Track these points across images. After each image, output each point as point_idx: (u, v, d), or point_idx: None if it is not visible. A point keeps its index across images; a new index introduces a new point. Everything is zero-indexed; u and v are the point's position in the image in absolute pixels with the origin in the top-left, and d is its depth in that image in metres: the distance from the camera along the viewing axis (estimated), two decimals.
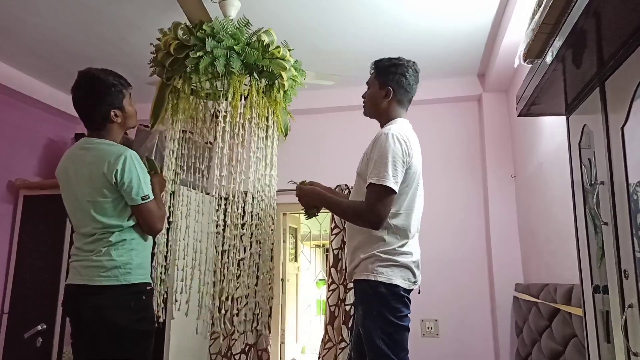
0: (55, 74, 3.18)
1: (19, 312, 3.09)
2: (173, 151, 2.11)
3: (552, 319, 2.07)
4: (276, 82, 2.03)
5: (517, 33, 2.33)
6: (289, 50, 2.05)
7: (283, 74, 1.99)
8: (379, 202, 1.60)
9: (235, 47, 1.91)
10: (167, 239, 2.11)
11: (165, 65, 1.95)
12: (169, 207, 2.11)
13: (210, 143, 2.19)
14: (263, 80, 2.05)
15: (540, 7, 1.28)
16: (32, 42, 2.75)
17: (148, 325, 1.77)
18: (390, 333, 1.61)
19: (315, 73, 2.44)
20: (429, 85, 3.36)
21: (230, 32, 1.92)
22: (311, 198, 1.81)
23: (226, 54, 1.90)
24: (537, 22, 1.30)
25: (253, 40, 1.95)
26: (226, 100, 1.96)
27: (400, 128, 1.72)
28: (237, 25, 1.95)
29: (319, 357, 3.19)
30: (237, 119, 1.99)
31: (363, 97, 1.88)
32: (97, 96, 1.75)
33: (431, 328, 3.17)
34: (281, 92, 2.08)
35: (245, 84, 2.03)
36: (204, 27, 1.91)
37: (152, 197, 1.74)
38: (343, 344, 3.12)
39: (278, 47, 1.97)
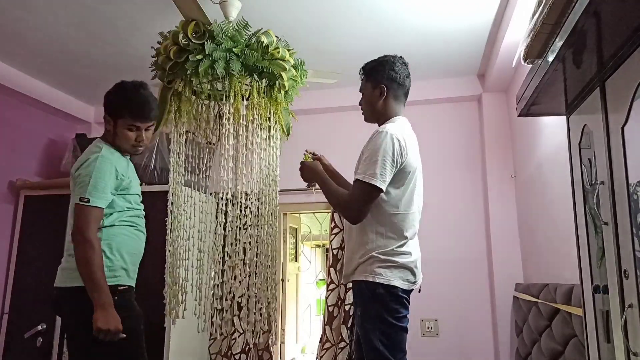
0: (56, 74, 3.18)
1: (19, 312, 3.09)
2: (177, 152, 2.12)
3: (552, 319, 2.07)
4: (277, 82, 2.04)
5: (517, 33, 2.33)
6: (289, 50, 2.05)
7: (283, 74, 1.99)
8: (361, 200, 1.61)
9: (234, 49, 1.91)
10: (170, 240, 2.11)
11: (166, 69, 1.96)
12: (171, 208, 2.12)
13: (213, 144, 2.19)
14: (264, 81, 2.05)
15: (540, 7, 1.28)
16: (33, 42, 2.75)
17: (130, 324, 1.68)
18: (388, 334, 1.60)
19: (314, 71, 2.43)
20: (429, 85, 3.37)
21: (229, 35, 1.92)
22: (310, 173, 1.86)
23: (225, 56, 1.90)
24: (537, 22, 1.30)
25: (252, 42, 1.95)
26: (228, 101, 1.97)
27: (397, 127, 1.70)
28: (236, 27, 1.95)
29: (317, 358, 3.19)
30: (240, 120, 1.99)
31: (360, 104, 1.88)
32: (108, 92, 1.82)
33: (431, 328, 3.18)
34: (282, 92, 2.08)
35: (246, 85, 2.03)
36: (202, 30, 1.91)
37: (93, 204, 1.65)
38: (342, 344, 3.12)
39: (277, 47, 1.97)
